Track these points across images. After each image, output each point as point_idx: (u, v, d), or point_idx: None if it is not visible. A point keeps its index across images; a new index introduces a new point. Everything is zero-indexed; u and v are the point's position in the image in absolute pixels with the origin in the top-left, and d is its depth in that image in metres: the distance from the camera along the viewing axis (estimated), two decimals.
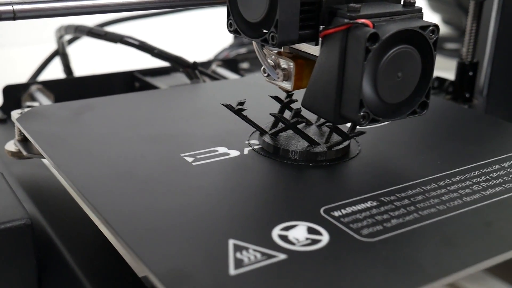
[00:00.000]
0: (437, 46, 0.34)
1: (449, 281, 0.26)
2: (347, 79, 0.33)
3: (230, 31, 0.36)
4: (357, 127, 0.38)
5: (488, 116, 0.48)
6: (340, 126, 0.38)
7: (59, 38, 0.60)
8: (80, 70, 0.67)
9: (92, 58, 0.86)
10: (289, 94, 0.40)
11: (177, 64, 0.53)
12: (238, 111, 0.38)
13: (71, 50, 0.64)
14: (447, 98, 0.55)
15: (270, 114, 0.37)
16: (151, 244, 0.27)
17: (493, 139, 0.41)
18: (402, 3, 0.34)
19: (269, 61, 0.37)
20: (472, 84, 0.54)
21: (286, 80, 0.37)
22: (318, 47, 0.34)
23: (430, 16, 1.04)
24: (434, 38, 0.33)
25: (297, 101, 0.39)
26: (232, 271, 0.26)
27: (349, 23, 0.32)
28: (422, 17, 0.34)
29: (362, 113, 0.33)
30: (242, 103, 0.38)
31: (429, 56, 0.34)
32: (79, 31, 0.55)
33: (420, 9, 0.34)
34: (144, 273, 0.27)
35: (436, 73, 0.41)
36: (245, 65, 0.81)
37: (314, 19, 0.34)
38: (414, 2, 0.34)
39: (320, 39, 0.34)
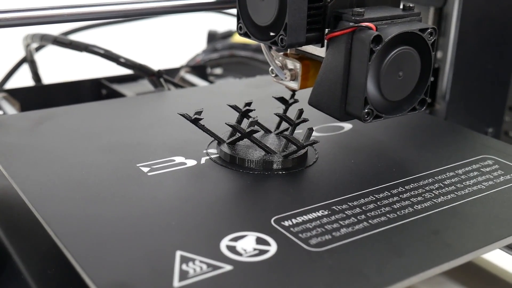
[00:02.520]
0: None
1: None
2: (352, 78, 0.34)
3: (240, 34, 0.37)
4: (312, 136, 0.38)
5: (447, 123, 0.48)
6: (296, 135, 0.38)
7: (26, 46, 0.60)
8: (49, 77, 0.67)
9: (61, 65, 0.85)
10: (247, 103, 0.40)
11: (141, 72, 0.53)
12: (195, 121, 0.38)
13: (39, 57, 0.64)
14: None
15: (226, 123, 0.37)
16: (96, 256, 0.27)
17: (450, 145, 0.41)
18: (401, 7, 0.36)
19: (276, 62, 0.39)
20: (434, 89, 0.54)
21: (293, 80, 0.39)
22: (324, 49, 0.36)
23: None
24: (432, 40, 0.35)
25: (254, 110, 0.40)
26: (176, 283, 0.26)
27: (354, 26, 0.34)
28: (420, 20, 0.36)
29: (366, 110, 0.34)
30: (199, 113, 0.38)
31: (428, 56, 0.36)
32: (45, 40, 0.55)
33: (419, 13, 0.36)
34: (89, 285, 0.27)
35: None
36: (218, 70, 0.81)
37: (320, 23, 0.35)
38: (413, 7, 0.35)
39: (326, 41, 0.35)
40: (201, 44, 0.86)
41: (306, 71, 0.38)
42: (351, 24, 0.34)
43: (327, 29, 0.35)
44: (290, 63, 0.39)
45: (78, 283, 0.32)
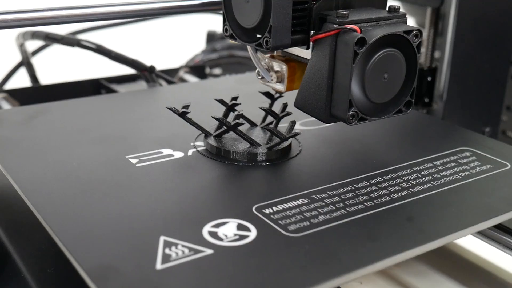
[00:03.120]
0: None
1: (364, 272, 0.28)
2: (336, 80, 0.35)
3: (225, 36, 0.38)
4: (296, 129, 0.39)
5: (428, 117, 0.49)
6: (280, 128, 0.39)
7: (20, 45, 0.61)
8: (49, 78, 0.68)
9: (60, 66, 0.87)
10: (234, 97, 0.41)
11: (134, 67, 0.54)
12: (182, 114, 0.39)
13: (41, 57, 0.65)
14: None
15: (212, 116, 0.39)
16: (83, 241, 0.29)
17: (430, 139, 0.42)
18: (387, 9, 0.37)
19: (263, 64, 0.39)
20: (431, 89, 0.55)
21: (279, 82, 0.39)
22: (309, 51, 0.36)
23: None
24: (418, 42, 0.36)
25: (240, 104, 0.41)
26: (159, 265, 0.27)
27: (338, 28, 0.34)
28: (406, 22, 0.36)
29: (351, 112, 0.35)
30: (186, 107, 0.39)
31: (413, 58, 0.36)
32: (37, 37, 0.56)
33: (404, 14, 0.36)
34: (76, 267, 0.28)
35: None
36: (217, 70, 0.82)
37: (305, 25, 0.36)
38: (399, 8, 0.36)
39: (311, 43, 0.36)
40: (200, 45, 0.87)
41: (292, 73, 0.39)
42: (335, 26, 0.34)
43: (312, 31, 0.36)
44: (277, 65, 0.39)
45: (77, 281, 0.34)
